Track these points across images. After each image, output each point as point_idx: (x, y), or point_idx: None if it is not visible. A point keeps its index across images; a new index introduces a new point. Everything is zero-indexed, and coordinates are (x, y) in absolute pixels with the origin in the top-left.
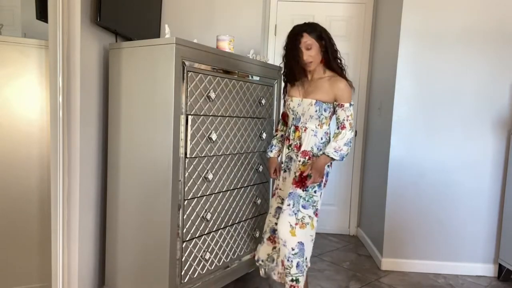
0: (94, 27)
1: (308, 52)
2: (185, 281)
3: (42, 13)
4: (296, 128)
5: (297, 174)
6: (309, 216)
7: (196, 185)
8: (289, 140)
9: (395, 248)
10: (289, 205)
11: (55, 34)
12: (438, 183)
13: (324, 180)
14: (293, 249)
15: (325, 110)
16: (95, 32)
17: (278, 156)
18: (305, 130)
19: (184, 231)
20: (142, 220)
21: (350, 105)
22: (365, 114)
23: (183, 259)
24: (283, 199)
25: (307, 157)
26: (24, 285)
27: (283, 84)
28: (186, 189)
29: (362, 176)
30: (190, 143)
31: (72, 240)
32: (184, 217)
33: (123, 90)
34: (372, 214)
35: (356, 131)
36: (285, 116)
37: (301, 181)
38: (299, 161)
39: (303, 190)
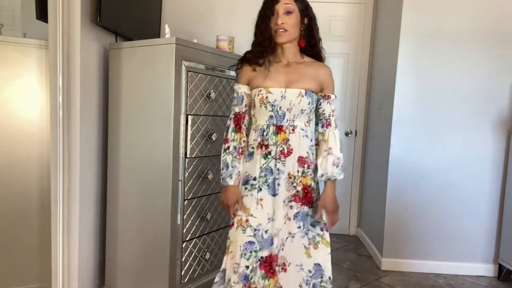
0: (94, 27)
1: (286, 17)
2: (185, 281)
3: (42, 13)
4: (279, 128)
5: (299, 189)
6: (318, 234)
7: (196, 185)
8: (264, 147)
9: (395, 248)
10: (299, 227)
11: (55, 34)
12: (438, 183)
13: (318, 190)
14: (310, 272)
15: (315, 103)
16: (95, 32)
17: (239, 183)
18: (293, 130)
19: (184, 231)
20: (142, 220)
21: (335, 97)
22: (365, 114)
23: (183, 259)
24: (257, 230)
25: (306, 166)
26: (24, 285)
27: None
28: (186, 189)
29: (362, 176)
30: (190, 143)
31: (72, 240)
32: (184, 217)
33: (123, 90)
34: (372, 214)
35: (356, 131)
36: (241, 119)
37: (307, 197)
38: (298, 172)
39: (310, 207)
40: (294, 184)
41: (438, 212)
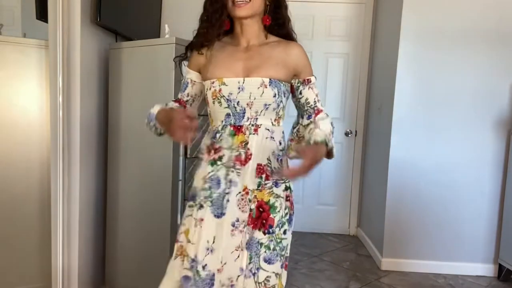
0: (94, 27)
1: None
2: None
3: (42, 13)
4: (238, 129)
5: (253, 207)
6: (276, 274)
7: None
8: (213, 150)
9: (395, 248)
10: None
11: (55, 34)
12: (438, 183)
13: (291, 211)
14: None
15: (284, 95)
16: (95, 32)
17: None
18: (255, 130)
19: None
20: (142, 220)
21: (315, 78)
22: (365, 114)
23: None
24: (194, 261)
25: (264, 176)
26: (24, 285)
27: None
28: (186, 189)
29: (362, 176)
30: (190, 143)
31: (72, 240)
32: None
33: (123, 90)
34: (372, 214)
35: (356, 131)
36: (180, 105)
37: (261, 218)
38: (258, 184)
39: (264, 233)
40: (249, 203)
41: (438, 212)
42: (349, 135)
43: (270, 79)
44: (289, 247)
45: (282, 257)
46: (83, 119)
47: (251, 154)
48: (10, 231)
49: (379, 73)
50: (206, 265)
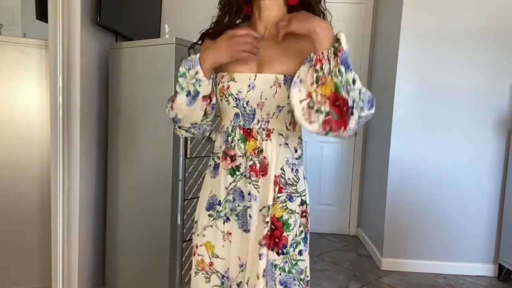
0: (94, 27)
1: None
2: (185, 281)
3: (42, 13)
4: (248, 133)
5: (267, 221)
6: None
7: (196, 185)
8: (229, 158)
9: (395, 248)
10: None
11: (55, 34)
12: (438, 183)
13: (306, 229)
14: None
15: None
16: (95, 32)
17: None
18: (267, 135)
19: (184, 231)
20: (142, 220)
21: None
22: None
23: (183, 259)
24: (225, 277)
25: (277, 189)
26: (24, 285)
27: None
28: (186, 189)
29: (362, 176)
30: (190, 143)
31: (72, 240)
32: (184, 217)
33: (123, 90)
34: (372, 214)
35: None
36: None
37: (274, 237)
38: (274, 199)
39: (278, 253)
40: (267, 219)
41: (438, 212)
42: None
43: (285, 76)
44: (308, 270)
45: (301, 282)
46: (83, 119)
47: (268, 164)
48: (10, 231)
49: (379, 73)
50: (241, 282)
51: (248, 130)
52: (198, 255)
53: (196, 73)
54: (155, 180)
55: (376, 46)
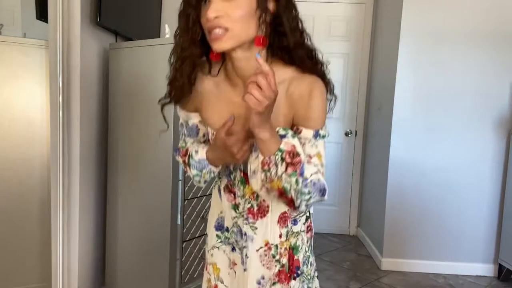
0: (94, 27)
1: (225, 3)
2: (185, 281)
3: (42, 13)
4: (247, 177)
5: (285, 261)
6: None
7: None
8: (232, 194)
9: (395, 248)
10: None
11: (55, 34)
12: (438, 183)
13: (311, 240)
14: None
15: None
16: (95, 32)
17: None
18: None
19: (184, 231)
20: (142, 220)
21: (318, 135)
22: (365, 114)
23: (183, 259)
24: None
25: (288, 221)
26: (24, 285)
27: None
28: (186, 189)
29: (362, 176)
30: None
31: (72, 240)
32: (184, 217)
33: (123, 90)
34: (372, 214)
35: (356, 131)
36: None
37: (290, 268)
38: (280, 236)
39: (294, 278)
40: (277, 257)
41: (438, 212)
42: (349, 135)
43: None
44: (316, 276)
45: None
46: (83, 119)
47: (268, 206)
48: (10, 231)
49: (379, 73)
50: None
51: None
52: (208, 272)
53: (210, 169)
54: (155, 180)
55: (376, 46)
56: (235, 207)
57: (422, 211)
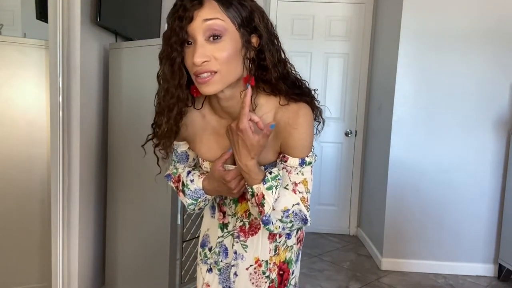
0: (94, 27)
1: (211, 46)
2: (185, 281)
3: (42, 13)
4: (241, 195)
5: (274, 276)
6: None
7: None
8: (222, 214)
9: (395, 248)
10: None
11: (55, 34)
12: (438, 183)
13: (300, 250)
14: None
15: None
16: (95, 32)
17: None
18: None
19: (184, 231)
20: (142, 220)
21: (304, 163)
22: (365, 114)
23: (183, 259)
24: None
25: (277, 236)
26: (24, 285)
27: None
28: None
29: (362, 176)
30: None
31: (72, 240)
32: (184, 217)
33: (123, 90)
34: (372, 214)
35: (356, 131)
36: None
37: (283, 283)
38: (270, 251)
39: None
40: (267, 273)
41: (438, 212)
42: (349, 135)
43: (265, 167)
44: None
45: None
46: (83, 119)
47: (259, 224)
48: (10, 231)
49: (379, 73)
50: None
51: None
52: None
53: (206, 198)
54: (155, 179)
55: (376, 46)
56: (223, 226)
57: (422, 211)
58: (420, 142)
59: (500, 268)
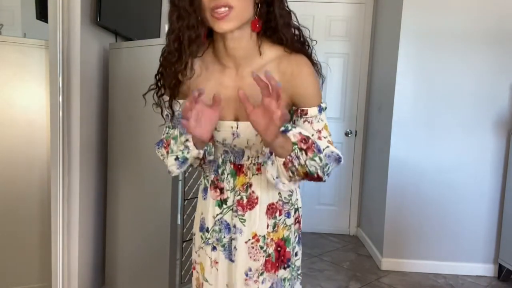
0: (94, 27)
1: None
2: (185, 281)
3: (42, 13)
4: (238, 169)
5: (271, 251)
6: None
7: (196, 185)
8: (219, 190)
9: (395, 248)
10: None
11: (55, 34)
12: (438, 183)
13: (299, 231)
14: None
15: None
16: (95, 32)
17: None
18: (258, 170)
19: (184, 231)
20: (142, 220)
21: (321, 109)
22: (365, 114)
23: (183, 259)
24: None
25: (277, 214)
26: (24, 285)
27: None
28: (186, 189)
29: (362, 176)
30: None
31: (72, 240)
32: (184, 217)
33: (123, 90)
34: (372, 214)
35: (356, 131)
36: None
37: (280, 258)
38: (268, 227)
39: (285, 268)
40: (265, 248)
41: (438, 212)
42: (349, 135)
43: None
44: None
45: (299, 276)
46: (83, 119)
47: (257, 198)
48: (10, 231)
49: (379, 73)
50: None
51: (239, 166)
52: (196, 270)
53: (186, 140)
54: (155, 180)
55: (376, 46)
56: (221, 203)
57: (422, 211)
58: (420, 142)
59: (500, 268)
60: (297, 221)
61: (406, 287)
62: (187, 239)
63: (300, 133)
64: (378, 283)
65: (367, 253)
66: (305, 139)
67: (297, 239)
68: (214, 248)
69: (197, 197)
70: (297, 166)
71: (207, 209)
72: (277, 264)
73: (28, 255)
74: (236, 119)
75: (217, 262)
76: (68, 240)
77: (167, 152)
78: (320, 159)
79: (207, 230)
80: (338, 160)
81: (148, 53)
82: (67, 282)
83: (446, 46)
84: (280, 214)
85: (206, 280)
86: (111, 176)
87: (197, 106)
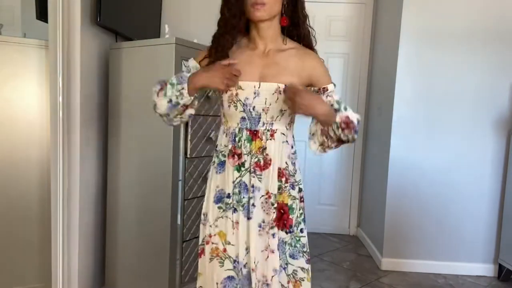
0: (94, 27)
1: None
2: (185, 281)
3: (42, 13)
4: (254, 134)
5: (274, 208)
6: (302, 269)
7: (196, 185)
8: (236, 156)
9: (395, 248)
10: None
11: (55, 34)
12: (438, 183)
13: (303, 210)
14: None
15: None
16: (95, 32)
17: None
18: (272, 135)
19: (184, 231)
20: (142, 220)
21: (334, 85)
22: (365, 114)
23: (183, 259)
24: (236, 262)
25: (283, 180)
26: (24, 285)
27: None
28: (186, 189)
29: (362, 176)
30: (190, 143)
31: (72, 240)
32: (184, 217)
33: (123, 90)
34: (372, 214)
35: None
36: None
37: (282, 219)
38: (278, 188)
39: (286, 232)
40: (275, 205)
41: (438, 212)
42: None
43: (285, 85)
44: (307, 244)
45: (304, 254)
46: (83, 119)
47: (270, 160)
48: (10, 231)
49: (379, 73)
50: (246, 263)
51: (255, 132)
52: (212, 243)
53: (182, 88)
54: (155, 180)
55: (376, 46)
56: (239, 167)
57: (422, 211)
58: (420, 142)
59: (500, 268)
60: (302, 200)
61: (406, 287)
62: (187, 239)
63: (347, 116)
64: (378, 283)
65: (367, 253)
66: (348, 123)
67: (302, 216)
68: (235, 210)
69: (197, 197)
70: (332, 136)
71: (226, 178)
72: (278, 223)
73: (28, 255)
74: (260, 81)
75: (237, 223)
76: (68, 240)
77: (161, 89)
78: (353, 138)
79: (228, 196)
80: (356, 131)
81: (148, 53)
82: (67, 282)
83: (446, 46)
84: (286, 181)
85: (229, 243)
86: (111, 176)
87: (227, 68)
